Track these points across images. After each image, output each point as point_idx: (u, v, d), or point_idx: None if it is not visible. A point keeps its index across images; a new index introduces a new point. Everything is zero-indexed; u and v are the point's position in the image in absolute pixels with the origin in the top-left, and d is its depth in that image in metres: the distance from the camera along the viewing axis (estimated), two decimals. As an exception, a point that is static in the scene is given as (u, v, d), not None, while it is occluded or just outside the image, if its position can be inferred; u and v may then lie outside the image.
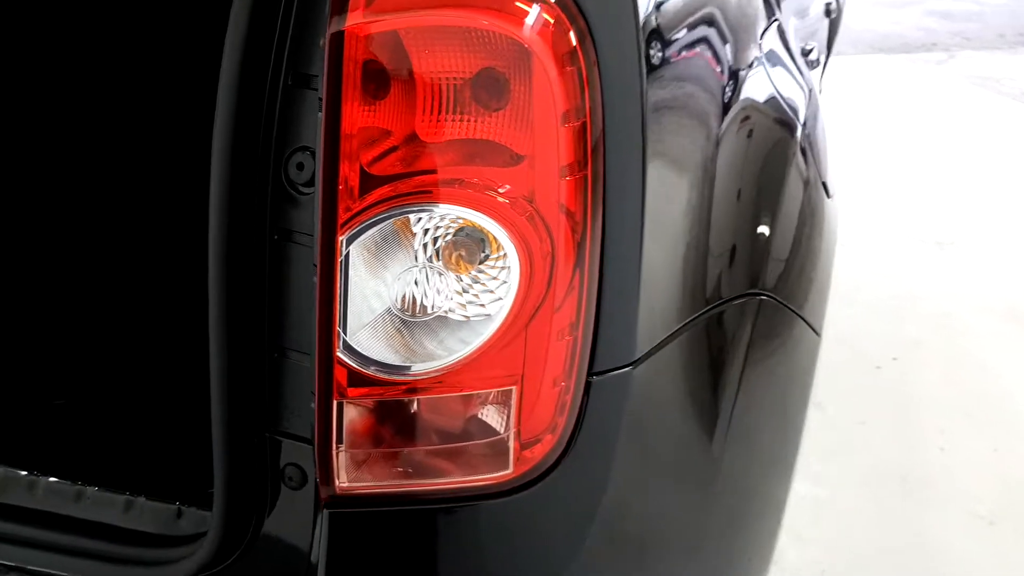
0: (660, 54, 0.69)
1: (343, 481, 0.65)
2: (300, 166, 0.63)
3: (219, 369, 0.68)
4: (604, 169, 0.64)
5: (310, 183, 0.62)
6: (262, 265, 0.66)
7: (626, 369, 0.69)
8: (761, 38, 1.07)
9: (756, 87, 0.94)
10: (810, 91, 1.19)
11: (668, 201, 0.72)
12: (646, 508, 0.74)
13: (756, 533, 0.93)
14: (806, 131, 1.08)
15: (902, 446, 2.30)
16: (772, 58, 1.07)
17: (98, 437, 1.13)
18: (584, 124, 0.62)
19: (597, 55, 0.62)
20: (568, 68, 0.61)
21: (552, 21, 0.60)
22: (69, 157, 1.53)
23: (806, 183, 1.02)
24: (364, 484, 0.65)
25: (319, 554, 0.67)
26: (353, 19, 0.57)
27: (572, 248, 0.63)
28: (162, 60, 1.54)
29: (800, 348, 0.97)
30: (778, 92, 1.02)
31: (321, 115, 0.58)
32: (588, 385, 0.67)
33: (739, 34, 0.94)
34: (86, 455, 1.07)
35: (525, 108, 0.61)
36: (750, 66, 0.95)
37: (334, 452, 0.64)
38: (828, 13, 2.61)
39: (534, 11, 0.60)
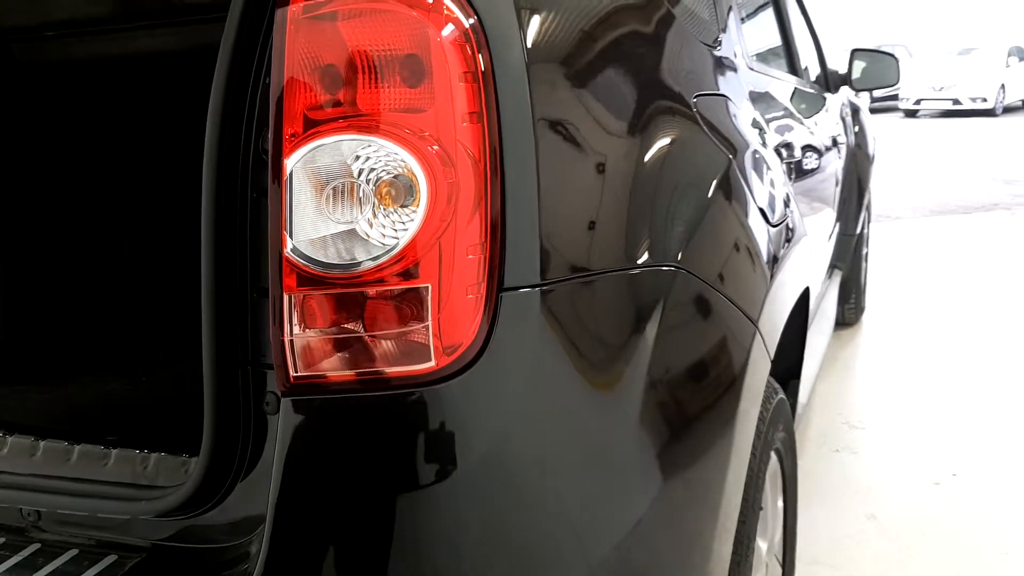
0: (552, 52, 0.89)
1: (296, 371, 0.80)
2: None
3: (209, 308, 0.86)
4: (499, 124, 0.82)
5: None
6: (244, 218, 0.86)
7: (532, 289, 0.84)
8: (695, 96, 1.27)
9: (677, 113, 1.13)
10: (751, 149, 1.36)
11: (570, 168, 0.90)
12: (551, 411, 0.86)
13: (673, 488, 1.00)
14: (743, 166, 1.24)
15: (963, 552, 2.22)
16: (709, 110, 1.26)
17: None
18: (477, 87, 0.82)
19: (487, 40, 0.82)
20: (467, 52, 0.81)
21: (457, 17, 0.81)
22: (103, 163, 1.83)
23: (738, 198, 1.18)
24: (311, 373, 0.80)
25: (278, 439, 0.81)
26: (294, 8, 0.80)
27: (472, 179, 0.81)
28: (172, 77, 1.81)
29: (729, 326, 1.08)
30: (710, 130, 1.21)
31: (272, 78, 0.80)
32: (498, 299, 0.82)
33: (656, 66, 1.15)
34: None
35: (434, 81, 0.81)
36: (674, 99, 1.15)
37: (286, 341, 0.80)
38: (836, 145, 2.81)
39: (444, 9, 0.81)
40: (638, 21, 1.14)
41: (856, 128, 3.76)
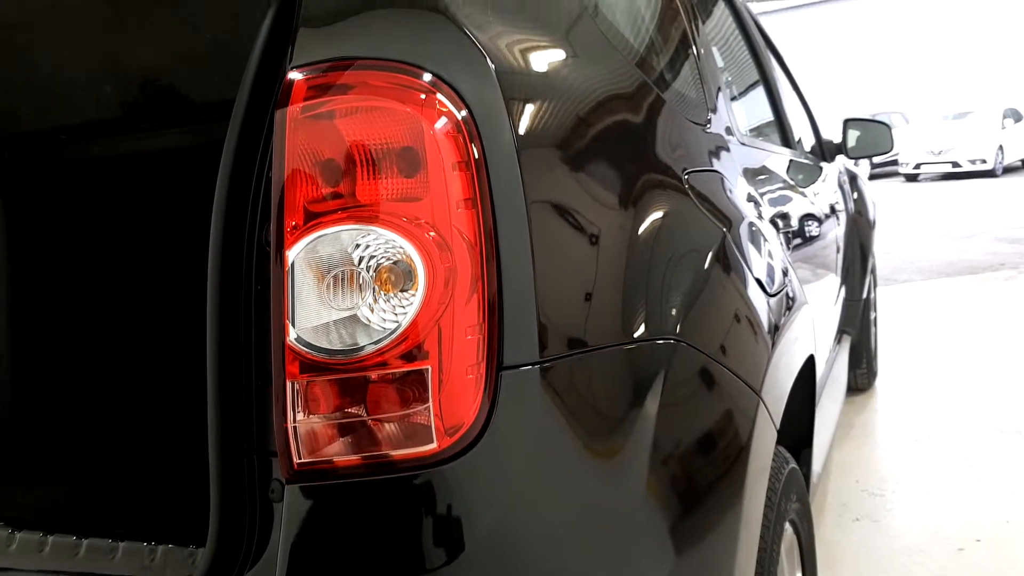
0: (542, 140, 0.93)
1: (299, 457, 0.81)
2: None
3: (214, 396, 0.87)
4: (492, 208, 0.85)
5: None
6: (249, 309, 0.88)
7: (532, 368, 0.85)
8: (687, 172, 1.31)
9: (669, 190, 1.16)
10: (746, 223, 1.39)
11: (564, 248, 0.92)
12: (553, 491, 0.86)
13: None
14: (737, 238, 1.27)
15: (997, 625, 2.16)
16: (703, 186, 1.30)
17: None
18: (471, 175, 0.85)
19: (479, 130, 0.86)
20: (462, 144, 0.85)
21: (450, 110, 0.85)
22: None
23: (734, 269, 1.20)
24: (316, 458, 0.81)
25: (282, 526, 0.81)
26: (293, 108, 0.84)
27: (468, 262, 0.83)
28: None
29: (732, 398, 1.09)
30: (702, 206, 1.24)
31: (274, 174, 0.83)
32: (498, 378, 0.84)
33: (650, 155, 1.18)
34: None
35: (429, 171, 0.84)
36: (665, 177, 1.18)
37: (289, 428, 0.81)
38: (834, 212, 2.85)
39: (436, 104, 0.85)
40: (626, 105, 1.18)
41: (855, 195, 3.81)
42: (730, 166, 1.62)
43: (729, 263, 1.21)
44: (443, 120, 0.85)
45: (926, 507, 2.81)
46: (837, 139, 3.71)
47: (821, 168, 3.10)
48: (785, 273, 1.48)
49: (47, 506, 1.37)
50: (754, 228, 1.43)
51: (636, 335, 0.98)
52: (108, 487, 1.50)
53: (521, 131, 0.90)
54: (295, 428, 0.81)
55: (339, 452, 0.81)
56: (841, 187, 3.46)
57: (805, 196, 2.32)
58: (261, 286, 0.88)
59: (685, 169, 1.31)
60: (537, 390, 0.85)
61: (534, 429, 0.85)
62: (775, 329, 1.27)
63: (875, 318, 4.21)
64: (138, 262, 1.87)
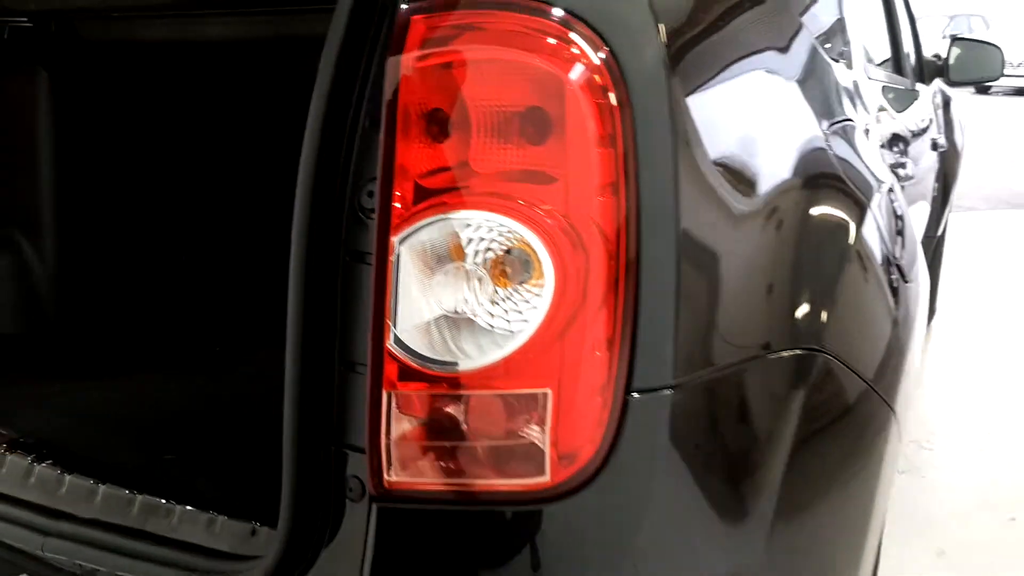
0: (698, 93, 0.76)
1: (390, 476, 0.70)
2: (371, 194, 0.72)
3: (292, 381, 0.75)
4: (637, 195, 0.69)
5: None
6: (335, 284, 0.75)
7: (665, 391, 0.72)
8: (829, 127, 1.13)
9: (817, 162, 0.99)
10: (884, 187, 1.22)
11: (711, 242, 0.77)
12: (680, 535, 0.74)
13: None
14: (876, 217, 1.10)
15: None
16: (842, 148, 1.12)
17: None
18: (616, 153, 0.69)
19: (628, 92, 0.69)
20: (601, 101, 0.68)
21: (585, 56, 0.68)
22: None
23: (873, 260, 1.04)
24: (408, 480, 0.70)
25: (366, 548, 0.71)
26: (408, 56, 0.67)
27: (605, 264, 0.68)
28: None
29: (868, 416, 0.95)
30: (846, 176, 1.06)
31: (381, 137, 0.68)
32: (626, 403, 0.70)
33: (806, 104, 1.01)
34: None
35: (564, 139, 0.68)
36: (813, 145, 1.01)
37: (382, 443, 0.69)
38: (935, 147, 2.62)
39: (569, 49, 0.68)
40: (777, 44, 1.00)
41: (946, 122, 3.53)
42: (863, 112, 1.43)
43: (870, 249, 1.04)
44: (579, 69, 0.68)
45: (978, 467, 2.70)
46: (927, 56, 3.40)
47: (919, 94, 2.85)
48: (914, 247, 1.32)
49: (93, 415, 1.30)
50: (890, 195, 1.25)
51: (776, 347, 0.83)
52: (156, 397, 1.42)
53: (676, 83, 0.73)
54: (388, 443, 0.69)
55: (436, 476, 0.70)
56: (936, 112, 3.20)
57: (917, 137, 2.11)
58: (350, 257, 0.74)
59: (827, 125, 1.13)
60: (668, 416, 0.72)
61: (663, 462, 0.72)
62: (908, 326, 1.12)
63: (942, 254, 4.01)
64: (190, 153, 1.74)
